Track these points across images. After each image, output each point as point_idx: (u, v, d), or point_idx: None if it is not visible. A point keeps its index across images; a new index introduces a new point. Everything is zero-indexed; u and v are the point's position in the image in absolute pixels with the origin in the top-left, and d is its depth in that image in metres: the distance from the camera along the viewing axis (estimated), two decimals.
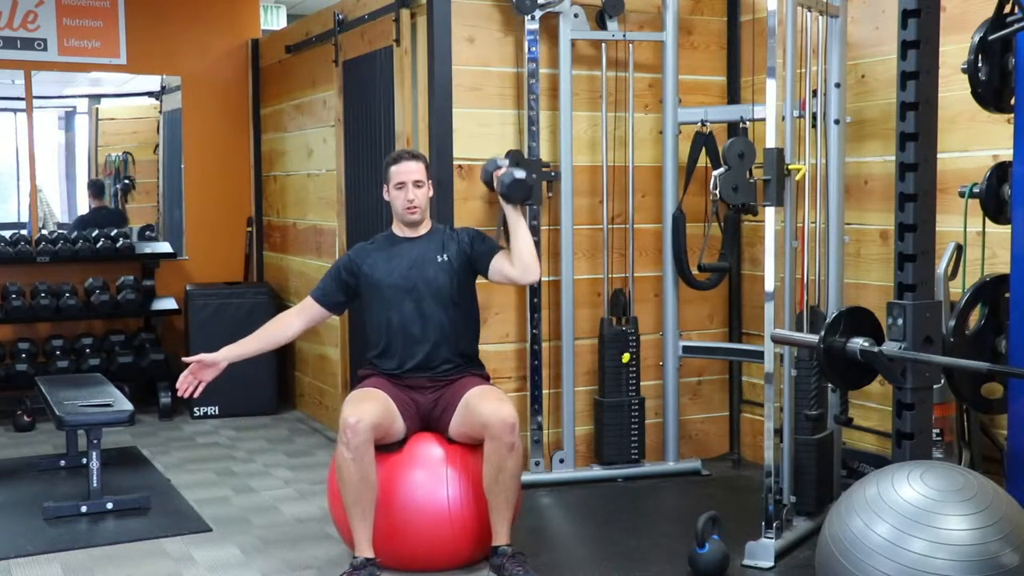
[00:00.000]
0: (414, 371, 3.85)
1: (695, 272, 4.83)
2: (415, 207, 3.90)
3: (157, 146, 7.34)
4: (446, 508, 3.68)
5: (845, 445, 4.50)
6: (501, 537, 3.64)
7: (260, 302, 6.44)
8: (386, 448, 3.70)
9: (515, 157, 4.51)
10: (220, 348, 6.30)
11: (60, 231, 6.80)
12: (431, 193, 4.00)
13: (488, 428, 3.59)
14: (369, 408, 3.62)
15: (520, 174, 3.98)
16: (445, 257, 3.92)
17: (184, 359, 3.97)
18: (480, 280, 4.03)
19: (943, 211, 3.47)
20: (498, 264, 3.92)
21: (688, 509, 4.36)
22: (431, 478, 3.72)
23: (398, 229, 4.00)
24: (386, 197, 3.98)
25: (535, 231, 4.75)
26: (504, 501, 3.62)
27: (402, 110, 5.02)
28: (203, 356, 3.89)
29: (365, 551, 3.60)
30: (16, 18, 6.50)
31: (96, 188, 7.17)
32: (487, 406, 3.64)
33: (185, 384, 3.88)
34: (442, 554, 3.71)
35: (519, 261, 3.88)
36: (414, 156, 3.96)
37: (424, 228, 3.99)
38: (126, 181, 7.19)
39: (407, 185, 3.88)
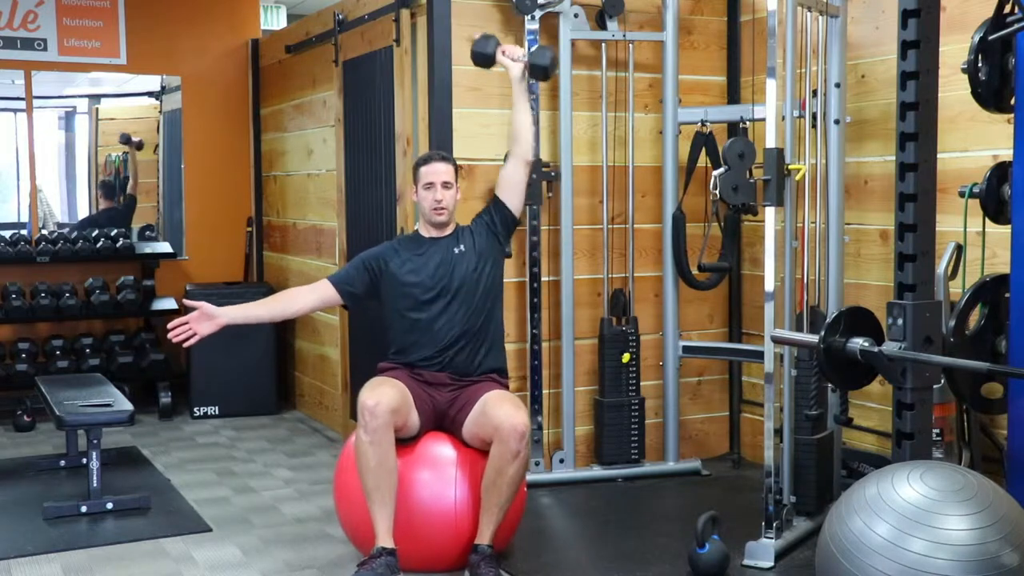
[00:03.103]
0: (438, 368, 3.86)
1: (695, 272, 4.82)
2: (443, 208, 3.90)
3: (157, 146, 7.34)
4: (452, 509, 3.68)
5: (845, 445, 4.50)
6: (484, 536, 3.64)
7: None
8: (399, 442, 3.69)
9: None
10: (220, 348, 6.36)
11: (60, 231, 6.80)
12: (459, 196, 4.00)
13: (499, 431, 3.59)
14: (388, 392, 3.62)
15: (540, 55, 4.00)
16: (461, 248, 3.93)
17: (186, 302, 3.90)
18: None
19: (943, 211, 3.47)
20: (504, 183, 4.01)
21: (688, 509, 4.36)
22: (438, 479, 3.71)
23: (424, 230, 4.00)
24: (414, 198, 4.00)
25: (535, 231, 4.76)
26: (496, 504, 3.62)
27: (402, 110, 5.03)
28: (204, 305, 3.83)
29: (385, 540, 3.58)
30: (16, 18, 6.50)
31: (106, 189, 7.18)
32: (502, 410, 3.65)
33: (180, 330, 3.80)
34: (447, 555, 3.71)
35: (522, 138, 3.99)
36: (444, 158, 3.98)
37: (450, 230, 4.01)
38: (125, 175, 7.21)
39: (435, 186, 3.89)
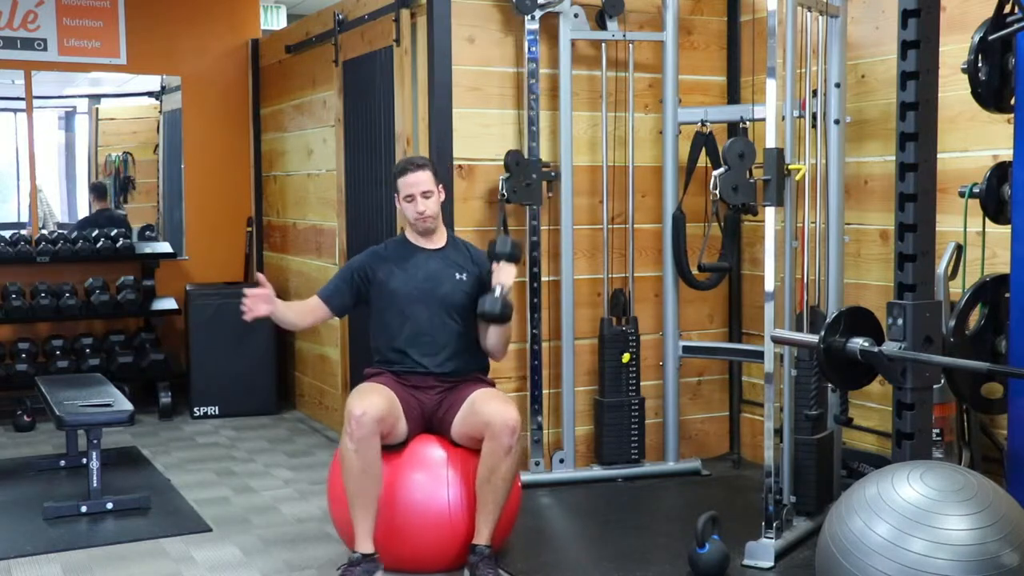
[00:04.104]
0: (423, 373, 3.86)
1: (695, 272, 4.82)
2: (426, 217, 3.87)
3: (157, 146, 7.35)
4: (446, 509, 3.68)
5: (845, 445, 4.50)
6: (482, 536, 3.64)
7: None
8: (388, 448, 3.69)
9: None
10: (220, 348, 6.38)
11: (60, 231, 6.80)
12: (443, 198, 3.96)
13: (489, 427, 3.60)
14: (375, 401, 3.61)
15: (495, 306, 3.79)
16: (464, 277, 3.91)
17: (259, 276, 3.91)
18: None
19: (943, 211, 3.47)
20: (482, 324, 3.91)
21: (688, 509, 4.36)
22: (432, 479, 3.72)
23: (412, 237, 3.97)
24: (397, 206, 3.98)
25: (535, 231, 4.75)
26: (492, 502, 3.62)
27: (402, 110, 5.02)
28: (270, 290, 3.83)
29: (364, 546, 3.59)
30: (16, 18, 6.50)
31: (98, 190, 7.18)
32: (492, 406, 3.66)
33: (248, 302, 3.79)
34: (442, 555, 3.71)
35: (491, 348, 3.93)
36: (420, 165, 3.90)
37: (440, 239, 3.97)
38: (129, 187, 7.20)
39: (416, 197, 3.86)
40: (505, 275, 3.84)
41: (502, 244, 3.90)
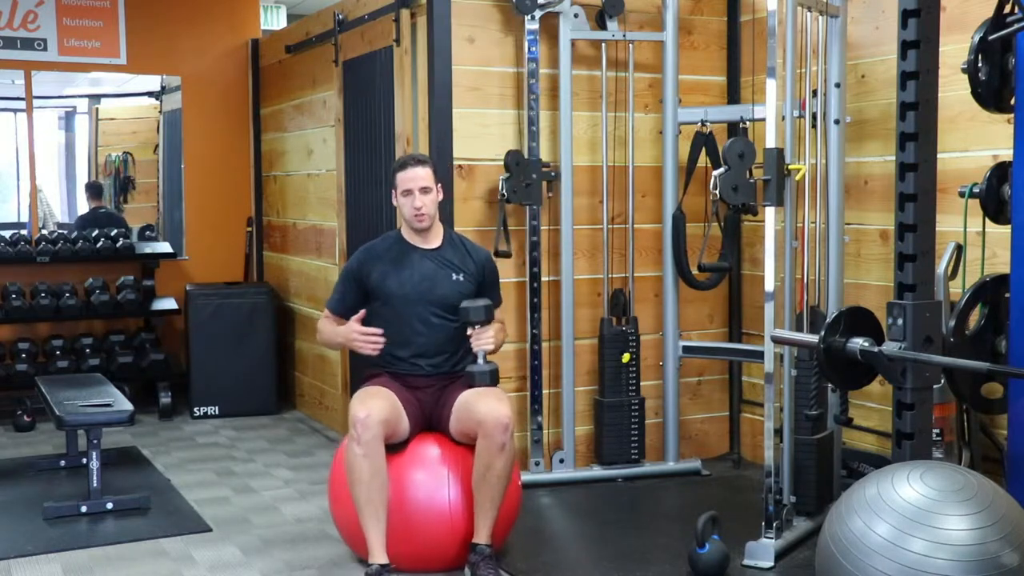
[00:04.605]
0: (419, 375, 3.87)
1: (695, 272, 4.82)
2: (423, 214, 3.86)
3: (157, 146, 7.35)
4: (447, 509, 3.68)
5: (845, 445, 4.50)
6: (481, 535, 3.65)
7: (260, 302, 6.44)
8: (390, 448, 3.69)
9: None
10: (220, 348, 6.38)
11: (60, 231, 6.80)
12: (440, 197, 3.94)
13: (482, 425, 3.60)
14: (378, 404, 3.62)
15: (485, 379, 3.76)
16: (460, 278, 3.91)
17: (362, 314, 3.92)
18: None
19: (943, 211, 3.47)
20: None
21: (688, 509, 4.36)
22: (432, 479, 3.72)
23: (408, 235, 3.95)
24: (394, 203, 3.96)
25: (535, 231, 4.75)
26: (489, 500, 3.62)
27: (402, 110, 5.03)
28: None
29: (379, 557, 3.57)
30: (16, 18, 6.50)
31: (94, 190, 7.18)
32: (484, 404, 3.65)
33: (372, 341, 3.82)
34: (442, 554, 3.71)
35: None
36: (420, 162, 3.90)
37: (436, 237, 3.95)
38: (129, 187, 7.22)
39: (414, 192, 3.84)
40: (484, 340, 3.79)
41: (475, 313, 3.78)
